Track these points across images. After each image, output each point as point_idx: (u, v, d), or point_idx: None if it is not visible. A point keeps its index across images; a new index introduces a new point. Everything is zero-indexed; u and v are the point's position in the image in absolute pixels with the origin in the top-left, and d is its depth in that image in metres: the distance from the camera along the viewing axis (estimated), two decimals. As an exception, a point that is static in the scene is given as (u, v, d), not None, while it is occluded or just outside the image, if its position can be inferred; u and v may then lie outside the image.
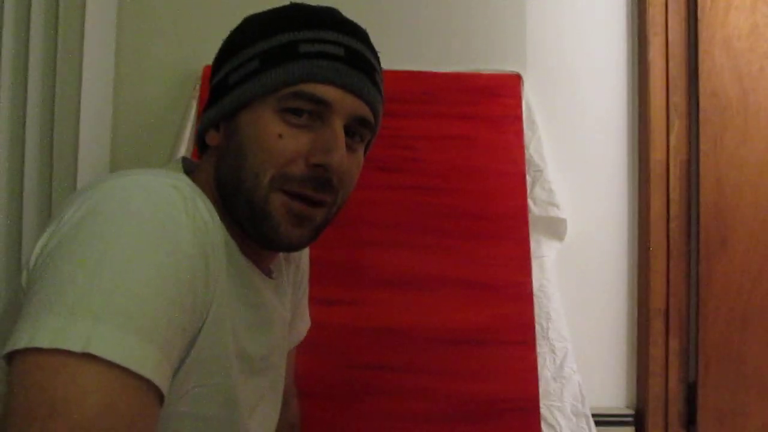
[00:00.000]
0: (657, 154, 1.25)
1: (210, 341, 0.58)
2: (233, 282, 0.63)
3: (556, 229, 1.24)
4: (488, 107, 1.23)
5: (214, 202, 0.64)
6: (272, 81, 0.62)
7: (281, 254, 0.78)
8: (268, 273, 0.73)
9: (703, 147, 1.22)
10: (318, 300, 1.12)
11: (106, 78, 1.20)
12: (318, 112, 0.63)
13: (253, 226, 0.64)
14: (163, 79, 1.22)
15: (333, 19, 0.66)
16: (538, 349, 1.14)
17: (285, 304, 0.79)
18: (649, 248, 1.24)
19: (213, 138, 0.67)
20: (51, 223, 0.54)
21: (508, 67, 1.26)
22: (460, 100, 1.23)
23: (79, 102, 1.12)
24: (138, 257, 0.49)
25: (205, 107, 0.69)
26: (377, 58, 0.70)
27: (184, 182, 0.57)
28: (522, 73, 1.26)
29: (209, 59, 0.73)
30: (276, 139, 0.62)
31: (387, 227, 1.17)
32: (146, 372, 0.45)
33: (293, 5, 0.68)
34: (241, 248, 0.66)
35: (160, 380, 0.47)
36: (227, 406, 0.64)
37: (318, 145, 0.62)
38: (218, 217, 0.61)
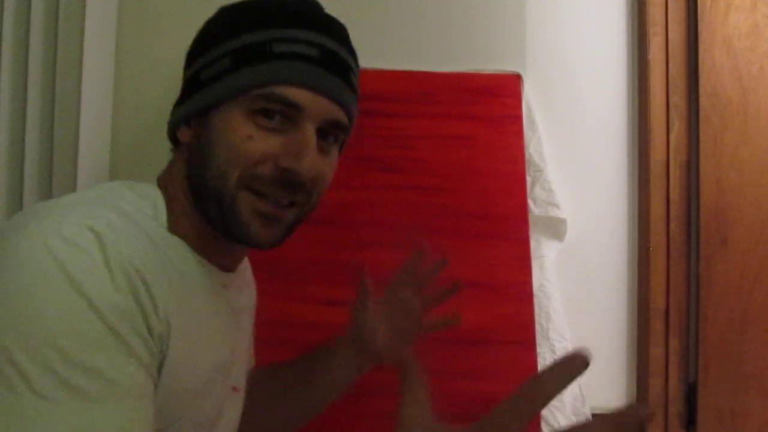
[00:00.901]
0: (657, 155, 1.25)
1: (180, 374, 0.58)
2: (191, 295, 0.62)
3: (556, 229, 1.24)
4: (488, 107, 1.23)
5: (183, 198, 0.65)
6: (243, 82, 0.61)
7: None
8: (230, 268, 0.72)
9: (703, 147, 1.22)
10: (318, 300, 1.13)
11: (106, 78, 1.19)
12: (289, 115, 0.62)
13: (222, 224, 0.63)
14: (163, 79, 1.22)
15: (309, 17, 0.64)
16: (538, 349, 1.14)
17: (245, 295, 0.78)
18: (649, 248, 1.24)
19: (184, 134, 0.66)
20: None
21: (508, 67, 1.26)
22: (460, 100, 1.23)
23: (79, 102, 1.12)
24: (64, 327, 0.48)
25: (177, 101, 0.68)
26: (354, 56, 0.68)
27: (111, 216, 0.55)
28: (522, 73, 1.26)
29: (209, 59, 0.72)
30: (245, 140, 0.61)
31: (387, 227, 1.17)
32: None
33: (265, 1, 0.66)
34: (203, 247, 0.65)
35: (130, 426, 0.49)
36: (203, 426, 0.64)
37: (288, 149, 0.61)
38: (164, 229, 0.62)
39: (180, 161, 0.67)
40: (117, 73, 1.22)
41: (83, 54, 1.12)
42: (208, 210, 0.64)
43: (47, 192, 1.14)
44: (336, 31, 0.66)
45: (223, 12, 0.67)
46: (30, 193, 1.13)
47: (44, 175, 1.14)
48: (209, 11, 0.68)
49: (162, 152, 1.12)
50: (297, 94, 0.61)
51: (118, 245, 0.53)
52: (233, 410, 0.75)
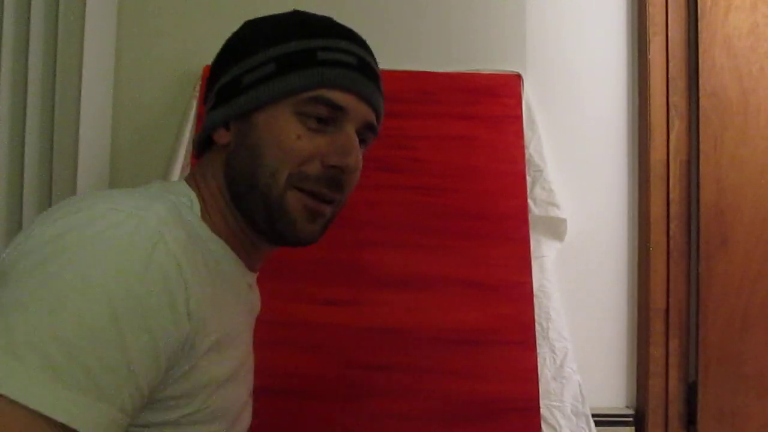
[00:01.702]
0: (657, 154, 1.25)
1: (208, 366, 0.59)
2: (225, 293, 0.64)
3: (556, 229, 1.24)
4: (488, 107, 1.23)
5: (220, 197, 0.67)
6: (291, 85, 0.65)
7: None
8: (255, 268, 0.75)
9: (703, 147, 1.22)
10: (318, 300, 1.13)
11: (106, 78, 1.20)
12: (334, 117, 0.66)
13: (267, 222, 0.66)
14: (163, 79, 1.22)
15: (343, 30, 0.70)
16: (538, 349, 1.14)
17: (257, 298, 0.80)
18: (649, 248, 1.24)
19: (223, 136, 0.68)
20: (20, 236, 0.55)
21: (508, 67, 1.26)
22: (460, 100, 1.23)
23: (79, 102, 1.12)
24: (72, 300, 0.49)
25: (211, 106, 0.70)
26: (378, 66, 0.73)
27: (160, 208, 0.57)
28: (522, 73, 1.26)
29: (209, 59, 0.73)
30: (294, 140, 0.64)
31: (387, 227, 1.17)
32: (54, 413, 0.46)
33: (296, 13, 0.70)
34: (235, 245, 0.68)
35: (80, 423, 0.47)
36: (225, 420, 0.65)
37: (335, 148, 0.66)
38: (207, 229, 0.64)
39: (215, 162, 0.69)
40: (117, 73, 1.22)
41: (83, 54, 1.12)
42: (252, 208, 0.66)
43: (47, 192, 1.14)
44: (363, 43, 0.72)
45: (256, 24, 0.71)
46: (30, 192, 1.13)
47: (44, 175, 1.14)
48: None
49: (162, 152, 1.12)
50: (342, 98, 0.66)
51: (163, 239, 0.54)
52: (248, 414, 0.76)
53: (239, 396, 0.70)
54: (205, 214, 0.66)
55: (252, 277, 0.74)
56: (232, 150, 0.67)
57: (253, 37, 0.69)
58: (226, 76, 0.68)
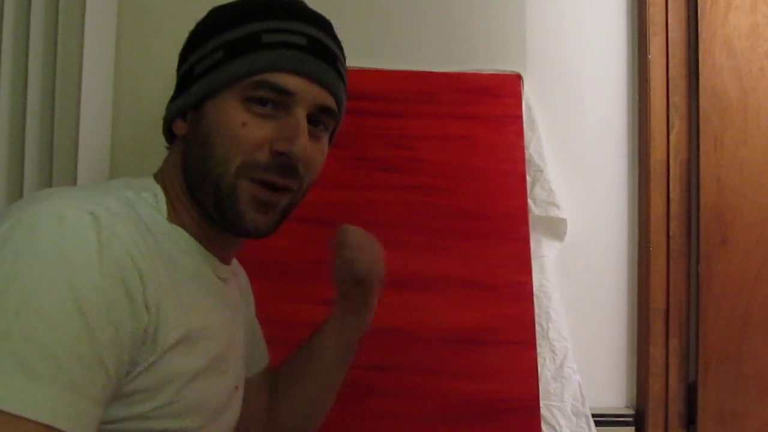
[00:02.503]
0: (657, 154, 1.25)
1: (175, 359, 0.59)
2: (189, 287, 0.64)
3: (556, 229, 1.24)
4: (488, 107, 1.23)
5: (180, 190, 0.67)
6: (236, 71, 0.63)
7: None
8: (227, 260, 0.74)
9: (703, 147, 1.22)
10: (318, 300, 1.12)
11: (106, 78, 1.19)
12: (281, 101, 0.64)
13: (219, 212, 0.65)
14: (163, 78, 1.21)
15: (296, 10, 0.68)
16: (538, 349, 1.14)
17: (237, 292, 0.79)
18: (649, 248, 1.24)
19: (180, 128, 0.68)
20: None
21: (508, 67, 1.26)
22: (460, 100, 1.23)
23: (79, 102, 1.12)
24: (36, 298, 0.49)
25: (171, 97, 0.70)
26: (340, 48, 0.71)
27: (111, 202, 0.57)
28: (522, 73, 1.26)
29: (209, 59, 0.73)
30: (240, 127, 0.63)
31: (387, 227, 1.17)
32: (36, 415, 0.46)
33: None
34: (203, 238, 0.68)
35: (63, 420, 0.48)
36: (202, 414, 0.64)
37: (281, 133, 0.63)
38: (165, 220, 0.64)
39: (176, 154, 0.69)
40: (117, 72, 1.22)
41: (83, 54, 1.12)
42: (203, 199, 0.66)
43: (47, 192, 1.14)
44: (321, 22, 0.69)
45: (213, 11, 0.70)
46: (30, 192, 1.13)
47: (44, 175, 1.14)
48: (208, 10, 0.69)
49: (162, 151, 1.12)
50: (288, 81, 0.64)
51: (114, 232, 0.54)
52: (234, 409, 0.75)
53: (220, 389, 0.69)
54: (170, 208, 0.66)
55: (225, 270, 0.72)
56: (188, 141, 0.67)
57: (206, 24, 0.69)
58: (184, 65, 0.69)
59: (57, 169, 1.13)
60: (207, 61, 0.65)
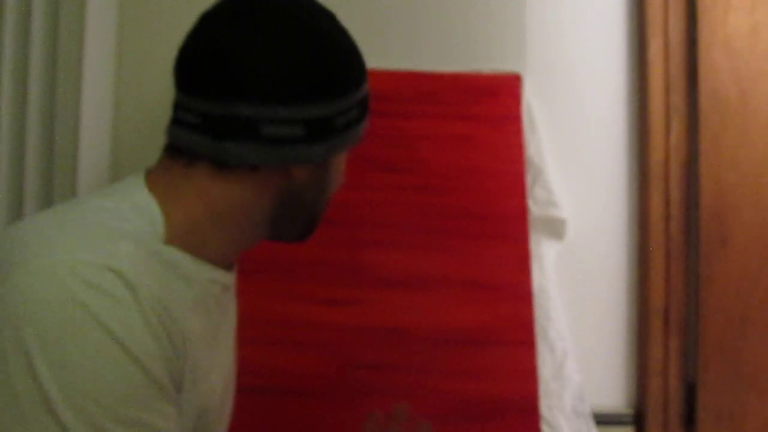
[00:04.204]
0: (657, 155, 1.25)
1: (189, 395, 0.59)
2: (203, 314, 0.63)
3: (556, 229, 1.24)
4: (488, 107, 1.23)
5: (206, 224, 0.62)
6: (363, 129, 0.69)
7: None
8: (233, 265, 0.72)
9: (702, 147, 1.22)
10: (318, 300, 1.13)
11: (106, 78, 1.19)
12: None
13: (299, 238, 0.72)
14: (164, 79, 1.21)
15: None
16: (538, 349, 1.14)
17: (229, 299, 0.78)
18: (648, 248, 1.24)
19: (302, 172, 0.64)
20: None
21: (508, 67, 1.26)
22: (460, 100, 1.23)
23: (79, 102, 1.12)
24: (104, 381, 0.49)
25: (295, 139, 0.61)
26: None
27: (128, 249, 0.53)
28: (522, 73, 1.26)
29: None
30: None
31: (387, 227, 1.17)
32: None
33: (355, 45, 0.68)
34: (206, 250, 0.63)
35: None
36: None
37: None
38: (164, 245, 0.58)
39: (238, 187, 0.62)
40: (118, 72, 1.22)
41: (84, 53, 1.12)
42: (290, 227, 0.69)
43: (48, 192, 1.14)
44: None
45: (344, 49, 0.65)
46: (30, 192, 1.13)
47: (45, 175, 1.14)
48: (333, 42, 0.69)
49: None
50: None
51: (143, 284, 0.52)
52: (225, 418, 0.75)
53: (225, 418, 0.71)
54: (170, 235, 0.59)
55: (228, 277, 0.68)
56: (298, 185, 0.65)
57: (345, 69, 0.64)
58: (318, 109, 0.61)
59: (57, 168, 1.13)
60: (349, 114, 0.65)
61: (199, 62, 0.61)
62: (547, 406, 1.15)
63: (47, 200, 1.14)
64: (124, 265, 0.52)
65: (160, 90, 1.20)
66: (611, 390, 1.26)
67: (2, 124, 1.13)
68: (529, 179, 1.22)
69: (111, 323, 0.49)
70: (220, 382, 0.68)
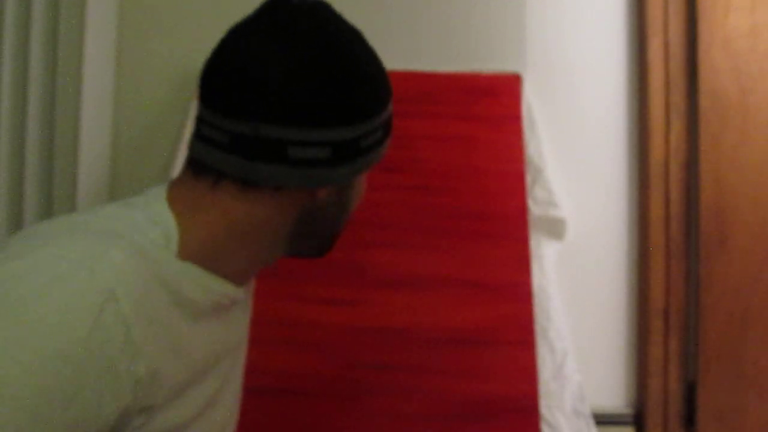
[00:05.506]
0: (656, 154, 1.25)
1: (166, 417, 0.57)
2: (191, 334, 0.60)
3: (555, 229, 1.24)
4: (488, 107, 1.23)
5: (227, 240, 0.61)
6: (385, 150, 0.69)
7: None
8: (248, 281, 0.71)
9: (702, 147, 1.22)
10: (318, 300, 1.13)
11: (106, 78, 1.19)
12: None
13: (319, 254, 0.73)
14: (164, 79, 1.22)
15: None
16: (538, 349, 1.14)
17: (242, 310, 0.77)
18: (648, 248, 1.24)
19: (325, 192, 0.64)
20: None
21: (508, 67, 1.27)
22: (460, 100, 1.23)
23: (79, 102, 1.12)
24: (11, 371, 0.46)
25: (321, 160, 0.61)
26: None
27: (117, 255, 0.52)
28: (522, 73, 1.26)
29: (209, 59, 0.72)
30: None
31: (387, 227, 1.17)
32: None
33: (381, 64, 0.68)
34: (223, 267, 0.63)
35: None
36: None
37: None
38: (176, 259, 0.57)
39: (260, 205, 0.62)
40: (118, 72, 1.22)
41: (84, 54, 1.12)
42: (309, 245, 0.70)
43: (47, 192, 1.14)
44: None
45: (374, 78, 0.66)
46: (30, 192, 1.13)
47: (45, 175, 1.14)
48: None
49: (162, 151, 1.12)
50: None
51: (116, 295, 0.50)
52: (231, 428, 0.74)
53: (218, 419, 0.68)
54: (185, 250, 0.59)
55: (242, 292, 0.68)
56: (320, 204, 0.65)
57: (375, 93, 0.65)
58: (346, 132, 0.61)
59: (57, 169, 1.13)
60: (374, 136, 0.66)
61: (229, 81, 0.59)
62: (546, 406, 1.15)
63: (47, 200, 1.14)
64: (103, 269, 0.51)
65: (160, 90, 1.20)
66: (611, 390, 1.26)
67: (2, 124, 1.13)
68: (529, 179, 1.22)
69: (51, 315, 0.48)
70: (210, 398, 0.65)
